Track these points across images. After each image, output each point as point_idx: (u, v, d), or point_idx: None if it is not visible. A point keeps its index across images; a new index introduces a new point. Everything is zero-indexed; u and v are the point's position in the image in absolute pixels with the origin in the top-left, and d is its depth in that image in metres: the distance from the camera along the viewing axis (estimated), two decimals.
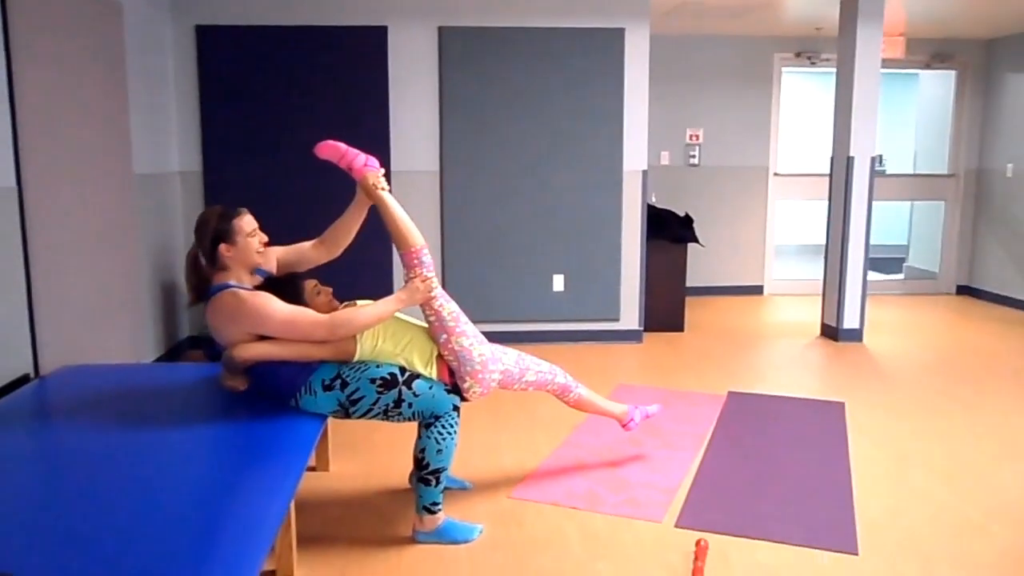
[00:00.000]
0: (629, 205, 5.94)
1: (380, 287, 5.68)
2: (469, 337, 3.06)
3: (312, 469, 3.64)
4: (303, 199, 5.63)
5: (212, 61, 5.58)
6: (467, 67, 5.72)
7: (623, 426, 3.66)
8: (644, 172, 5.94)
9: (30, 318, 3.60)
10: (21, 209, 3.53)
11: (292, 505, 2.61)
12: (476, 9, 5.69)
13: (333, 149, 3.18)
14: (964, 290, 8.25)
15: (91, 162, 4.18)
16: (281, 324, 2.77)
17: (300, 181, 5.63)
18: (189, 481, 2.36)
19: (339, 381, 2.87)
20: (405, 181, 5.76)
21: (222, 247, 2.84)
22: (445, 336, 3.03)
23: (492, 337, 5.89)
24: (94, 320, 4.20)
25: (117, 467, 2.41)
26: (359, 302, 3.07)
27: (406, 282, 3.02)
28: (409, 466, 3.67)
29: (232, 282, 2.85)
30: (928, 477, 3.62)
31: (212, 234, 2.84)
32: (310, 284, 3.02)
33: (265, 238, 2.97)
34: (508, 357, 3.25)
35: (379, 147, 5.71)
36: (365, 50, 5.65)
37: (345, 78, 5.66)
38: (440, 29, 5.67)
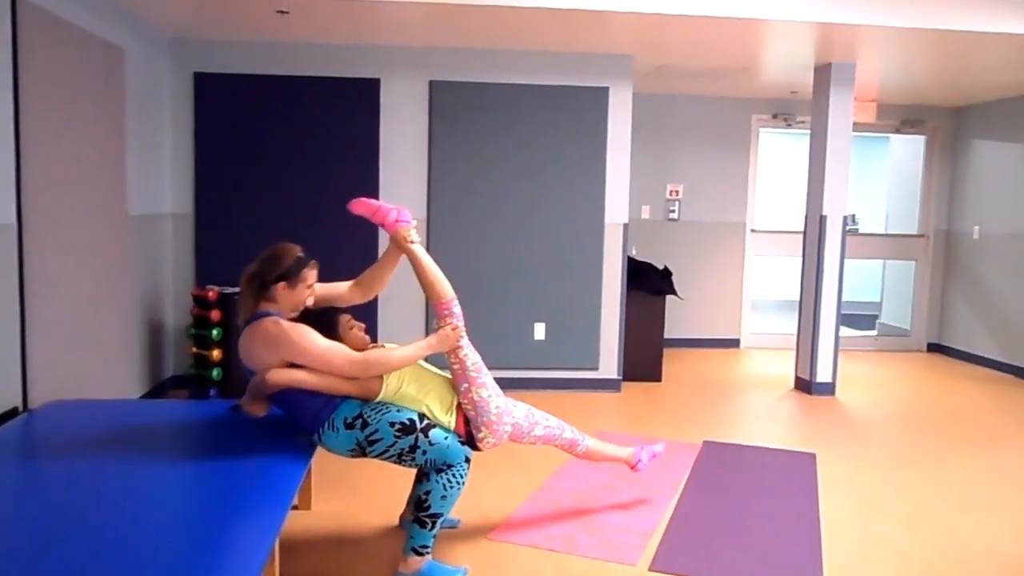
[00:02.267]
0: (610, 257, 6.11)
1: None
2: (488, 388, 3.18)
3: (295, 508, 3.69)
4: (292, 242, 5.75)
5: (208, 107, 5.74)
6: (456, 120, 5.91)
7: (632, 467, 3.75)
8: (625, 225, 6.12)
9: (22, 352, 3.67)
10: (20, 245, 3.63)
11: (277, 542, 2.67)
12: (467, 65, 5.91)
13: (366, 206, 3.30)
14: (935, 347, 8.45)
15: (88, 202, 4.29)
16: (318, 357, 2.88)
17: (289, 226, 5.75)
18: (176, 518, 2.42)
19: (360, 420, 2.97)
20: None
21: (281, 284, 2.98)
22: (466, 385, 3.15)
23: None
24: (83, 356, 4.26)
25: (104, 503, 2.46)
26: (387, 344, 3.18)
27: (437, 329, 3.14)
28: (392, 506, 3.74)
29: (274, 311, 2.97)
30: (893, 525, 3.73)
31: (281, 270, 2.98)
32: (344, 319, 3.13)
33: (316, 293, 3.13)
34: (519, 410, 3.36)
35: (368, 194, 5.82)
36: (358, 101, 5.84)
37: (338, 127, 5.83)
38: (431, 83, 5.88)
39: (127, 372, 4.91)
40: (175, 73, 5.72)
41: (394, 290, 5.92)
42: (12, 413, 3.55)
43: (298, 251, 3.05)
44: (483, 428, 3.16)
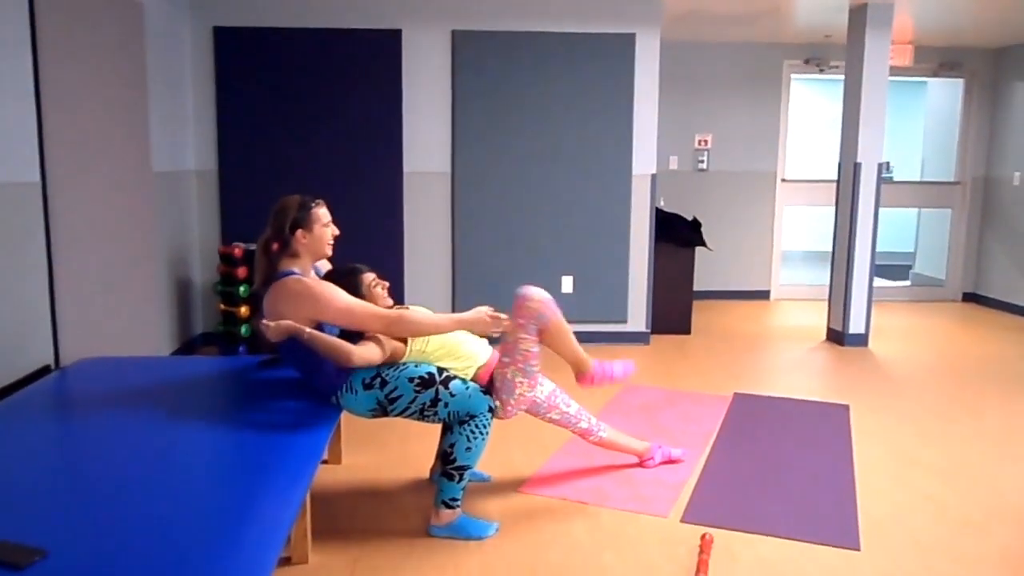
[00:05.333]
0: (638, 208, 6.01)
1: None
2: (526, 381, 3.13)
3: (325, 462, 3.71)
4: (318, 198, 5.71)
5: (229, 62, 5.67)
6: (479, 70, 5.80)
7: (641, 462, 3.70)
8: (653, 176, 6.00)
9: (51, 310, 3.68)
10: (45, 204, 3.62)
11: (308, 495, 2.68)
12: (489, 13, 5.77)
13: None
14: (970, 297, 8.29)
15: (112, 159, 4.27)
16: (340, 311, 2.86)
17: (314, 182, 5.71)
18: (208, 472, 2.42)
19: (379, 380, 2.95)
20: (417, 182, 5.85)
21: (298, 233, 2.97)
22: (507, 359, 3.10)
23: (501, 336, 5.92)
24: (113, 314, 4.28)
25: (137, 457, 2.46)
26: (411, 307, 3.16)
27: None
28: (420, 459, 3.74)
29: (297, 270, 2.96)
30: (931, 478, 3.67)
31: (292, 220, 2.96)
32: (368, 278, 3.10)
33: (337, 231, 3.09)
34: (543, 389, 3.34)
35: (392, 148, 5.79)
36: (379, 53, 5.73)
37: (359, 80, 5.74)
38: (453, 33, 5.75)
39: (157, 329, 4.94)
40: (194, 28, 5.64)
41: (422, 253, 5.90)
42: (45, 371, 3.58)
43: (298, 197, 3.02)
44: (498, 400, 3.13)
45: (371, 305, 2.93)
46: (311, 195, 3.05)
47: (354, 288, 3.03)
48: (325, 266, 3.29)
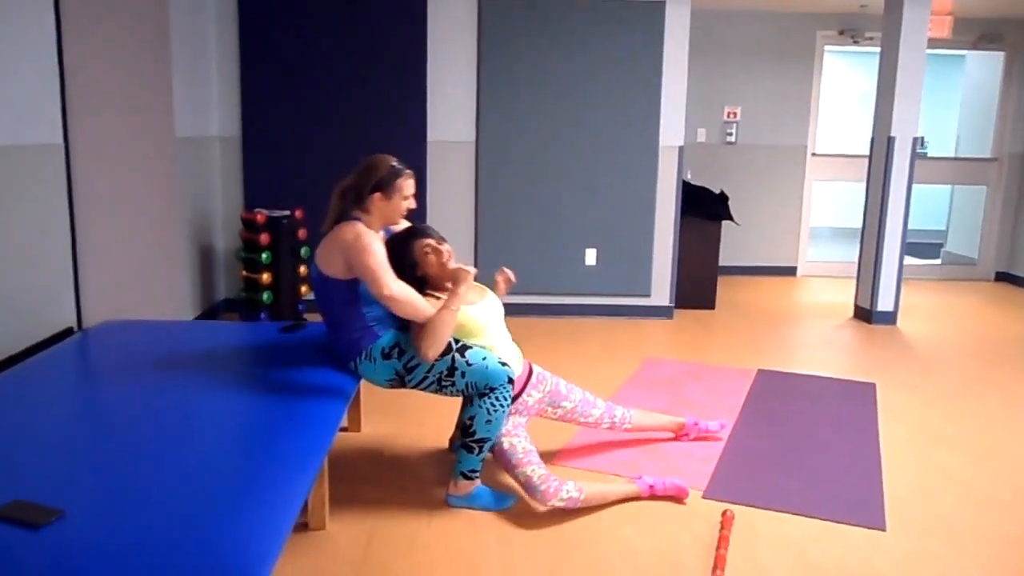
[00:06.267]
0: (664, 181, 5.91)
1: None
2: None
3: (344, 430, 3.70)
4: (340, 165, 5.67)
5: (253, 25, 5.61)
6: (506, 38, 5.70)
7: (676, 437, 3.67)
8: (680, 148, 5.89)
9: (74, 273, 3.69)
10: (68, 166, 3.61)
11: (326, 462, 2.67)
12: None
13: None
14: (1003, 277, 8.11)
15: (135, 123, 4.25)
16: (366, 268, 2.82)
17: (338, 148, 5.67)
18: (227, 437, 2.42)
19: (397, 349, 2.94)
20: (441, 151, 5.79)
21: (377, 196, 2.94)
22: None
23: (522, 308, 5.90)
24: (136, 278, 4.29)
25: (157, 420, 2.46)
26: (470, 267, 3.12)
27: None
28: (440, 429, 3.73)
29: (363, 219, 2.94)
30: (958, 458, 3.60)
31: (376, 180, 2.94)
32: (421, 244, 3.03)
33: (414, 205, 3.06)
34: (573, 395, 3.36)
35: (416, 116, 5.73)
36: (404, 18, 5.65)
37: (384, 46, 5.66)
38: None
39: (180, 295, 4.95)
40: None
41: (445, 223, 5.85)
42: (67, 332, 3.59)
43: (393, 161, 2.99)
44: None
45: (392, 278, 2.84)
46: (404, 164, 3.02)
47: (406, 254, 3.00)
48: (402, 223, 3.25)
